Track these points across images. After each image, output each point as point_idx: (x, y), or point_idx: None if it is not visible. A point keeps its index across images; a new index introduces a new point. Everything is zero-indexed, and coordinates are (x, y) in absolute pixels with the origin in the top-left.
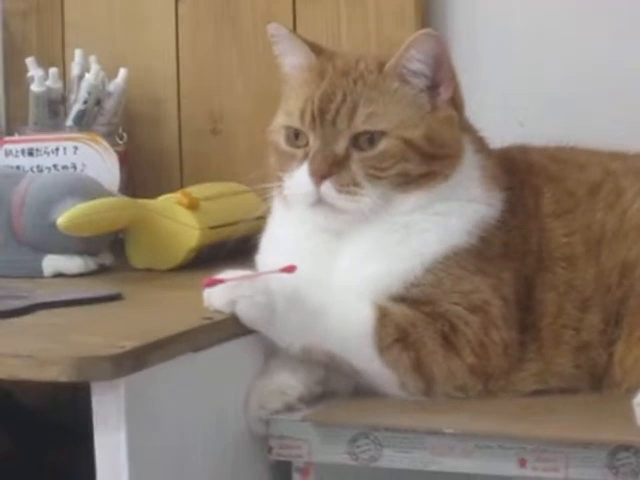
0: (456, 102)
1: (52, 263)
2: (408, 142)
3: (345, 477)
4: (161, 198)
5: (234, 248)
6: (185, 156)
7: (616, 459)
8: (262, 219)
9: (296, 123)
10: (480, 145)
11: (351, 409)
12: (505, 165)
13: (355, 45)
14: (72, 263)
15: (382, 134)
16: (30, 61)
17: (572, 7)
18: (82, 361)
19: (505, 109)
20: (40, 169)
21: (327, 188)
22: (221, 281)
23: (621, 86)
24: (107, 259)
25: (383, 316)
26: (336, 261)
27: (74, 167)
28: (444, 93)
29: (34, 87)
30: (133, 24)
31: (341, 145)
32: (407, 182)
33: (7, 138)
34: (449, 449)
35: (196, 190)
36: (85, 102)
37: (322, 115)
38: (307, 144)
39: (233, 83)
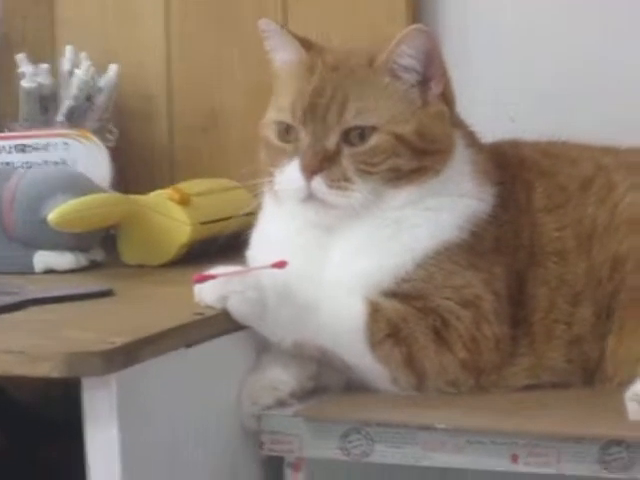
0: (447, 97)
1: (43, 259)
2: (399, 137)
3: (337, 472)
4: (152, 194)
5: (225, 244)
6: (176, 152)
7: (608, 454)
8: (253, 215)
9: (287, 118)
10: (471, 140)
11: (343, 404)
12: (496, 160)
13: (346, 40)
14: (63, 259)
15: (373, 129)
16: (21, 57)
17: (563, 3)
18: (73, 357)
19: (496, 105)
20: (30, 165)
21: (318, 183)
22: (212, 277)
23: (612, 82)
24: (98, 255)
25: (375, 311)
26: (327, 256)
27: (65, 163)
28: (435, 88)
29: (24, 83)
30: (124, 20)
31: (332, 140)
32: (398, 177)
33: None
34: (441, 444)
35: (187, 186)
36: (76, 98)
37: (313, 110)
38: (298, 139)
39: (224, 79)
